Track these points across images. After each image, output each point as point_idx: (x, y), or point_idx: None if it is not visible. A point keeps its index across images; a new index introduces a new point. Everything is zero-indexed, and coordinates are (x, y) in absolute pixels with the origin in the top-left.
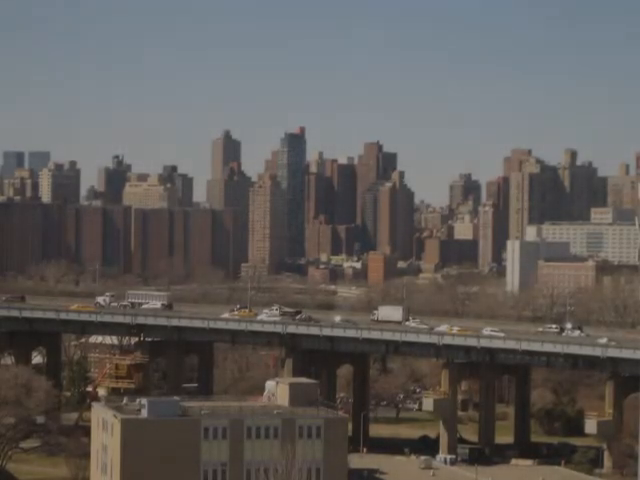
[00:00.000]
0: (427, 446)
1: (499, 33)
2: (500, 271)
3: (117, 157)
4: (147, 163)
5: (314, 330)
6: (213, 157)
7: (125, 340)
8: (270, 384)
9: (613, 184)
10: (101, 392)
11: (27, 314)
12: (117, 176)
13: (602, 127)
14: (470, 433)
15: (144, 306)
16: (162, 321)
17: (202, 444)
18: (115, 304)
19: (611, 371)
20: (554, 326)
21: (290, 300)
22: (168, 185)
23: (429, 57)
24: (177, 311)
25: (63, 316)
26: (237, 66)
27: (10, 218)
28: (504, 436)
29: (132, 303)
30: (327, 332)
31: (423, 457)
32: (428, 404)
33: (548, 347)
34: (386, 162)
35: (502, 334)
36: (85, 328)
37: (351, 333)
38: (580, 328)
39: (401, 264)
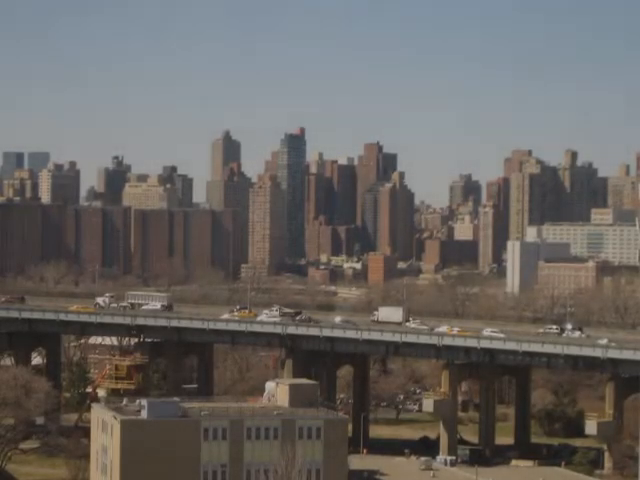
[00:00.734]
0: (427, 447)
1: (499, 33)
2: (500, 272)
3: (117, 158)
4: (147, 164)
5: (314, 331)
6: (213, 158)
7: (125, 341)
8: (270, 385)
9: (613, 185)
10: (101, 393)
11: (27, 315)
12: (117, 177)
13: (602, 128)
14: (470, 434)
15: (144, 307)
16: (162, 322)
17: (202, 445)
18: (115, 305)
19: (611, 372)
20: (554, 327)
21: (290, 301)
22: (168, 186)
23: (429, 57)
24: (177, 312)
25: (63, 317)
26: (237, 66)
27: (10, 219)
28: (504, 437)
29: (132, 304)
30: (327, 333)
31: (423, 458)
32: (428, 405)
33: (548, 348)
34: (386, 163)
35: (502, 335)
36: (85, 329)
37: (351, 334)
38: (580, 329)
39: (401, 265)
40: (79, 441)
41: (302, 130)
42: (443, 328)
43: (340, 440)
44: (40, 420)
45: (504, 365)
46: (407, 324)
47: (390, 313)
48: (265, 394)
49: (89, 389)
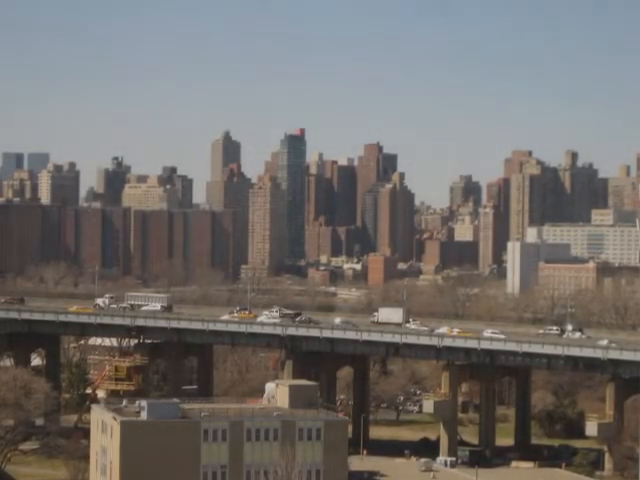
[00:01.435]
0: (427, 448)
1: (499, 34)
2: (500, 273)
3: (116, 158)
4: (147, 164)
5: (314, 332)
6: (213, 158)
7: (124, 342)
8: (270, 386)
9: (614, 185)
10: (100, 394)
11: (26, 316)
12: (116, 177)
13: (603, 128)
14: (470, 435)
15: (143, 308)
16: (162, 323)
17: (202, 446)
18: (114, 306)
19: (612, 373)
20: (555, 328)
21: (290, 302)
22: (168, 186)
23: (429, 58)
24: (177, 313)
25: (62, 318)
26: (237, 67)
27: (9, 220)
28: (505, 438)
29: (131, 305)
30: (327, 334)
31: (423, 459)
32: (428, 406)
33: (549, 349)
34: (386, 163)
35: (502, 336)
36: (84, 330)
37: (351, 335)
38: (581, 330)
39: (401, 266)
40: (79, 442)
41: (302, 130)
42: (443, 329)
43: (340, 441)
44: (40, 421)
45: (504, 366)
46: (407, 325)
47: (390, 314)
48: (265, 395)
49: (89, 390)
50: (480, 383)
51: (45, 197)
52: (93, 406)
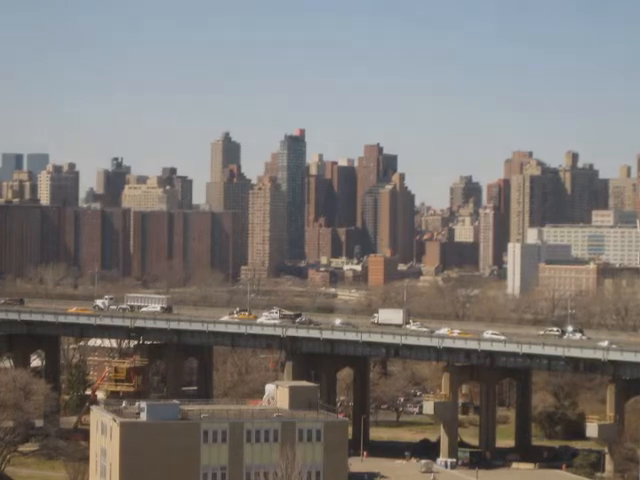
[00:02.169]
0: (428, 450)
1: (500, 34)
2: (501, 274)
3: (116, 159)
4: (146, 165)
5: (314, 333)
6: (212, 159)
7: (124, 343)
8: (270, 387)
9: (614, 186)
10: (100, 395)
11: (26, 317)
12: (116, 178)
13: (603, 129)
14: (471, 436)
15: (143, 309)
16: (161, 324)
17: (202, 447)
18: (114, 307)
19: (612, 374)
20: (555, 329)
21: (290, 303)
22: (167, 187)
23: (429, 58)
24: (176, 314)
25: (62, 319)
26: (237, 67)
27: (9, 221)
28: (505, 440)
29: (131, 306)
30: (327, 335)
31: (424, 461)
32: (429, 407)
33: (549, 350)
34: (386, 164)
35: (503, 337)
36: (84, 331)
37: (351, 336)
38: (581, 331)
39: (401, 267)
40: (78, 444)
41: (302, 131)
42: (443, 330)
43: (340, 442)
44: (39, 422)
45: (505, 367)
46: (407, 326)
47: (390, 315)
48: (265, 396)
49: (88, 391)
50: (480, 384)
51: (45, 198)
52: (93, 407)
